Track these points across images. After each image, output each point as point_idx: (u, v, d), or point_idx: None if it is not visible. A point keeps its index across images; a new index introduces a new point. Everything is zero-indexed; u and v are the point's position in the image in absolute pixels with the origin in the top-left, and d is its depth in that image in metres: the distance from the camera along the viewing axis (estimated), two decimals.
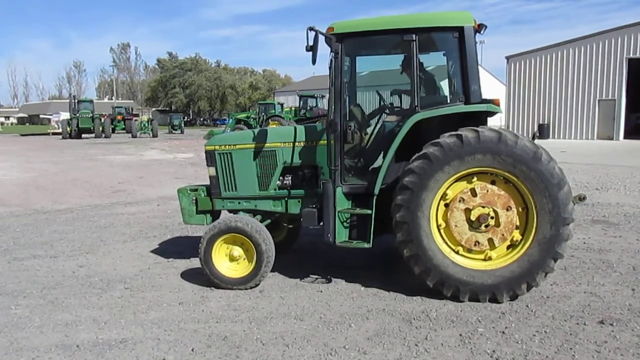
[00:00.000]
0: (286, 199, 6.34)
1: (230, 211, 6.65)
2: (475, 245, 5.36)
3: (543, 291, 5.68)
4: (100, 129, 44.95)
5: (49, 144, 38.38)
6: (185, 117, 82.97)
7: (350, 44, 5.86)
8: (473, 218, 5.31)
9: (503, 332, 4.68)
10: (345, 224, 5.81)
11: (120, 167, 20.36)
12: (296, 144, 6.25)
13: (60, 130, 47.08)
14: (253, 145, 6.39)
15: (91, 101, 49.41)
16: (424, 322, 4.94)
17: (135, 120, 49.25)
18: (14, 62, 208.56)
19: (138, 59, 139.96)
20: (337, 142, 5.76)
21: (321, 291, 5.83)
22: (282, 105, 43.46)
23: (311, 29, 5.30)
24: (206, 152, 6.64)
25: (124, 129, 49.63)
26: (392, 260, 6.74)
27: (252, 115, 41.08)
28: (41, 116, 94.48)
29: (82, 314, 5.33)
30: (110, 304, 5.61)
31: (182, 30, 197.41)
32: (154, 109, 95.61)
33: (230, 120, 43.28)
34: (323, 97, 38.05)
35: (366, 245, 5.66)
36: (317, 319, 5.08)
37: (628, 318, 4.95)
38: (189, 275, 6.45)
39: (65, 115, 51.26)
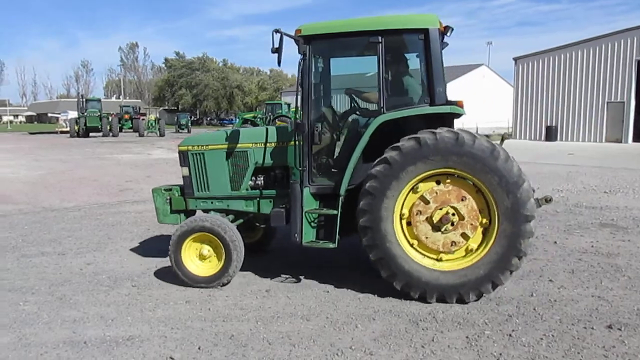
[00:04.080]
0: (258, 199, 6.41)
1: (204, 211, 6.70)
2: (452, 245, 5.41)
3: (550, 295, 5.66)
4: (108, 127, 45.13)
5: (57, 142, 38.58)
6: (192, 117, 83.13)
7: (319, 46, 5.94)
8: (438, 224, 5.38)
9: (510, 335, 4.67)
10: (312, 224, 5.88)
11: (127, 166, 20.45)
12: (267, 144, 6.33)
13: (68, 129, 47.31)
14: (225, 146, 6.46)
15: (99, 100, 49.61)
16: (431, 324, 4.94)
17: (143, 119, 49.43)
18: (23, 61, 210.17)
19: (146, 59, 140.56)
20: (304, 143, 5.83)
21: (328, 291, 5.84)
22: (289, 105, 43.51)
23: (277, 31, 5.40)
24: (179, 152, 6.73)
25: (131, 128, 49.81)
26: None
27: (259, 115, 41.21)
28: (49, 115, 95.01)
29: (90, 311, 5.37)
30: (118, 301, 5.64)
31: (190, 30, 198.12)
32: (161, 108, 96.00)
33: (238, 120, 43.38)
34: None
35: (331, 246, 5.72)
36: (323, 319, 5.08)
37: (636, 323, 4.92)
38: None
39: (73, 114, 51.48)
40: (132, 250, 7.80)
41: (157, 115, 63.77)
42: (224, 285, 6.03)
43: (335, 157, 6.17)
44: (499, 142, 5.69)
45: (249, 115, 43.05)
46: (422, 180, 5.41)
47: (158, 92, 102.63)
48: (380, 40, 5.62)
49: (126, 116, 50.09)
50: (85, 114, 44.76)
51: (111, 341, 4.64)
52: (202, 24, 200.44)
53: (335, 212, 5.69)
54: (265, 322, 5.04)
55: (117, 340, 4.66)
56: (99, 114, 45.37)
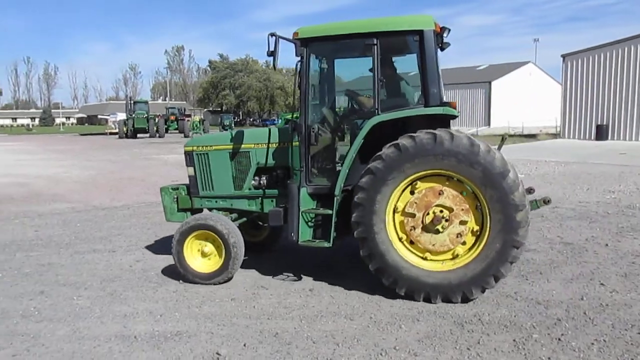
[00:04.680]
0: (261, 198, 6.50)
1: (209, 209, 6.82)
2: (458, 236, 5.36)
3: (602, 299, 5.48)
4: (155, 129, 46.37)
5: (107, 143, 39.91)
6: (236, 118, 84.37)
7: (316, 48, 6.00)
8: (434, 227, 5.35)
9: (559, 340, 4.54)
10: (309, 223, 5.94)
11: (173, 166, 20.92)
12: (270, 145, 6.43)
13: (116, 130, 48.86)
14: (228, 147, 6.60)
15: (146, 102, 51.02)
16: (476, 326, 4.86)
17: (188, 120, 50.55)
18: (75, 65, 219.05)
19: (191, 61, 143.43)
20: (302, 144, 5.89)
21: (371, 291, 5.81)
22: None
23: (272, 34, 5.48)
24: (185, 152, 6.91)
25: (177, 128, 51.00)
26: None
27: None
28: (99, 117, 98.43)
29: (139, 306, 5.54)
30: (166, 297, 5.80)
31: (234, 32, 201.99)
32: (205, 109, 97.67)
33: (280, 120, 43.71)
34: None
35: (326, 245, 5.76)
36: (367, 319, 5.08)
37: None
38: (239, 272, 6.53)
39: (122, 116, 53.17)
40: None
41: (202, 116, 64.97)
42: (225, 282, 6.15)
43: (332, 158, 6.23)
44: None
45: (290, 116, 43.31)
46: (397, 199, 5.46)
47: (202, 94, 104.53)
48: (375, 42, 5.64)
49: (172, 117, 51.31)
50: (133, 115, 46.13)
51: (160, 336, 4.77)
52: (246, 26, 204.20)
53: (330, 211, 5.73)
54: (309, 320, 5.08)
55: (166, 335, 4.79)
56: (146, 115, 46.65)
